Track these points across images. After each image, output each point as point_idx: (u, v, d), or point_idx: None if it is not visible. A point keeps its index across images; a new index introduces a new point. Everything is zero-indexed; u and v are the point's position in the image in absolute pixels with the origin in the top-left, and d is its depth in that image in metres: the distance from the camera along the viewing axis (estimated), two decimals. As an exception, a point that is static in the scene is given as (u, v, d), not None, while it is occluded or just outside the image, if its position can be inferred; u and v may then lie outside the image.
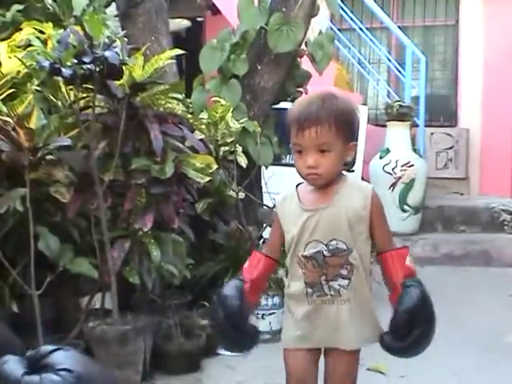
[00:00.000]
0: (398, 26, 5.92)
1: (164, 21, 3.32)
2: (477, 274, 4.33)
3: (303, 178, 1.46)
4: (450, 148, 6.25)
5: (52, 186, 2.20)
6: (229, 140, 2.96)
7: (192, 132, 2.75)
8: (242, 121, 3.02)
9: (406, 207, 4.75)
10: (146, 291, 2.50)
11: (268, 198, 3.01)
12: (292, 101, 3.29)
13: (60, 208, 2.27)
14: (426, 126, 5.73)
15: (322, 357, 1.53)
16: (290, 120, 1.44)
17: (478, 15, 6.42)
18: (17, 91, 2.30)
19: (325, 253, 1.43)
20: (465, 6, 6.55)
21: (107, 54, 2.14)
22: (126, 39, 2.53)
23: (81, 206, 2.27)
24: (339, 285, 1.43)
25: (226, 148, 2.99)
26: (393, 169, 4.73)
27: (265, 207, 3.26)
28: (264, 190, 3.35)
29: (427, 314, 1.40)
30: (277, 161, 3.55)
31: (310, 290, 1.45)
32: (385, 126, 5.00)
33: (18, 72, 2.34)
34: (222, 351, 2.69)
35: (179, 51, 2.56)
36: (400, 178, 4.71)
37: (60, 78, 2.23)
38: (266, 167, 3.34)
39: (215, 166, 2.59)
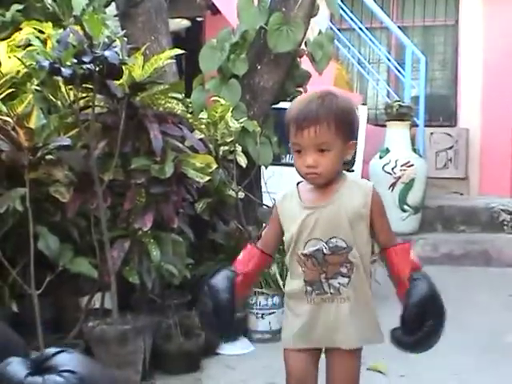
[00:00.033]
0: (398, 26, 5.93)
1: (164, 20, 3.32)
2: (476, 273, 4.33)
3: (302, 177, 1.46)
4: (450, 148, 6.26)
5: (52, 185, 2.20)
6: (228, 140, 2.96)
7: (192, 132, 2.74)
8: (241, 120, 3.02)
9: (405, 207, 4.75)
10: (146, 291, 2.50)
11: (268, 197, 3.01)
12: (291, 101, 3.29)
13: (60, 208, 2.27)
14: (425, 125, 5.74)
15: (323, 357, 1.52)
16: (289, 119, 1.43)
17: (477, 15, 6.42)
18: (16, 91, 2.30)
19: (324, 251, 1.42)
20: (464, 5, 6.56)
21: (107, 53, 2.14)
22: (125, 39, 2.53)
23: (80, 206, 2.27)
24: (339, 283, 1.43)
25: (226, 148, 2.99)
26: (392, 169, 4.73)
27: (264, 207, 3.26)
28: (264, 189, 3.35)
29: (437, 306, 1.39)
30: (276, 160, 3.55)
31: (309, 289, 1.45)
32: (384, 125, 5.00)
33: (18, 72, 2.34)
34: (221, 351, 2.70)
35: (179, 51, 2.56)
36: (400, 177, 4.71)
37: (60, 78, 2.23)
38: (266, 167, 3.34)
39: (215, 166, 2.59)
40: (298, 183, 1.50)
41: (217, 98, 2.99)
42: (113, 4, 3.31)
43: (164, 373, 2.43)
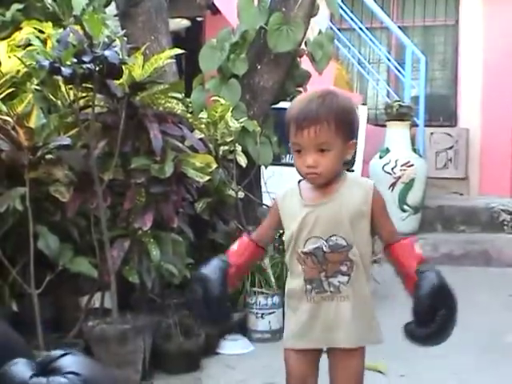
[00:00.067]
0: (398, 26, 5.93)
1: (164, 20, 3.32)
2: (476, 273, 4.33)
3: (303, 177, 1.46)
4: (450, 148, 6.26)
5: (52, 185, 2.20)
6: (228, 139, 2.96)
7: (191, 131, 2.75)
8: (241, 120, 3.02)
9: (405, 207, 4.75)
10: (146, 290, 2.50)
11: (267, 197, 3.01)
12: (291, 100, 3.29)
13: (60, 207, 2.27)
14: (425, 125, 5.74)
15: (323, 357, 1.51)
16: (289, 119, 1.42)
17: (477, 15, 6.42)
18: (16, 90, 2.30)
19: (324, 249, 1.42)
20: (465, 6, 6.56)
21: (107, 53, 2.14)
22: (125, 38, 2.54)
23: (80, 206, 2.27)
24: (339, 281, 1.42)
25: (226, 147, 2.99)
26: (392, 168, 4.73)
27: (264, 207, 3.26)
28: (263, 189, 3.35)
29: (448, 295, 1.38)
30: (276, 160, 3.55)
31: (309, 287, 1.44)
32: (384, 125, 5.01)
33: (18, 71, 2.34)
34: (221, 350, 2.70)
35: (179, 51, 2.57)
36: (400, 177, 4.71)
37: (60, 78, 2.23)
38: (266, 167, 3.35)
39: (215, 166, 2.59)
40: (299, 181, 1.50)
41: (217, 98, 3.00)
42: (113, 4, 3.31)
43: (164, 372, 2.43)
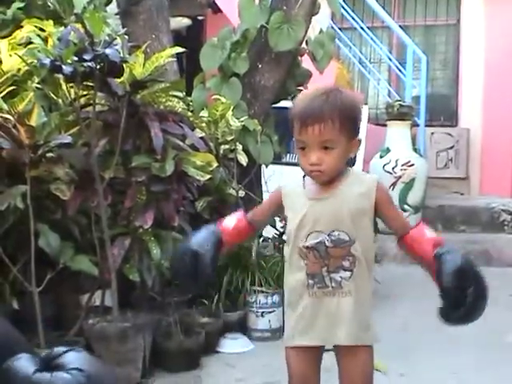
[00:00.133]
0: (399, 26, 5.92)
1: (165, 19, 3.32)
2: (476, 273, 4.32)
3: (307, 174, 1.45)
4: (451, 148, 6.25)
5: (52, 183, 2.20)
6: (229, 138, 2.97)
7: (192, 130, 2.75)
8: (242, 119, 3.03)
9: (406, 207, 4.74)
10: (146, 289, 2.50)
11: (268, 196, 3.01)
12: (292, 99, 3.29)
13: (60, 205, 2.27)
14: (426, 125, 5.73)
15: (325, 357, 1.50)
16: (293, 116, 1.41)
17: (479, 15, 6.42)
18: (17, 89, 2.30)
19: (327, 243, 1.41)
20: (466, 5, 6.55)
21: (108, 51, 2.14)
22: (126, 37, 2.54)
23: (81, 204, 2.28)
24: (341, 277, 1.41)
25: (227, 146, 2.99)
26: (393, 168, 4.73)
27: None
28: (264, 188, 3.35)
29: (472, 271, 1.35)
30: (277, 159, 3.55)
31: (311, 282, 1.43)
32: (385, 125, 5.00)
33: (19, 69, 2.34)
34: (221, 349, 2.70)
35: (180, 49, 2.57)
36: (400, 177, 4.71)
37: (60, 76, 2.23)
38: (266, 166, 3.34)
39: (215, 164, 2.59)
40: (304, 176, 1.49)
41: (217, 97, 3.00)
42: (114, 2, 3.31)
43: (164, 370, 2.44)
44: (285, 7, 3.26)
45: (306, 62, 3.51)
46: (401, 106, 4.81)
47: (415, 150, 4.92)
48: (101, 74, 2.20)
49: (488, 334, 2.94)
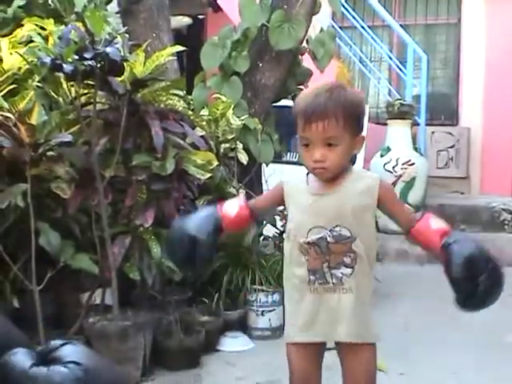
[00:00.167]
0: (400, 24, 5.91)
1: (165, 18, 3.32)
2: (477, 272, 4.32)
3: (310, 171, 1.45)
4: (451, 147, 6.25)
5: (53, 181, 2.20)
6: (229, 137, 2.96)
7: (193, 129, 2.75)
8: (242, 118, 3.03)
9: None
10: (147, 287, 2.51)
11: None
12: (293, 98, 3.29)
13: (61, 204, 2.27)
14: (427, 124, 5.73)
15: (326, 355, 1.50)
16: (297, 112, 1.41)
17: (480, 14, 6.41)
18: (18, 87, 2.30)
19: (328, 239, 1.40)
20: (467, 4, 6.55)
21: (108, 50, 2.14)
22: (127, 35, 2.54)
23: (82, 202, 2.28)
24: (342, 273, 1.41)
25: (227, 145, 2.99)
26: (393, 167, 4.73)
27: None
28: (264, 187, 3.35)
29: (481, 258, 1.34)
30: (277, 158, 3.55)
31: (312, 278, 1.42)
32: (386, 124, 5.00)
33: (20, 68, 2.34)
34: (221, 347, 2.70)
35: (180, 48, 2.57)
36: (400, 176, 4.71)
37: (61, 74, 2.23)
38: (267, 164, 3.34)
39: (216, 163, 2.59)
40: (307, 173, 1.49)
41: (218, 95, 3.00)
42: (114, 1, 3.31)
43: (164, 369, 2.44)
44: (285, 6, 3.26)
45: (306, 61, 3.51)
46: (401, 104, 4.81)
47: (416, 149, 4.92)
48: (101, 73, 2.20)
49: (488, 334, 2.94)
